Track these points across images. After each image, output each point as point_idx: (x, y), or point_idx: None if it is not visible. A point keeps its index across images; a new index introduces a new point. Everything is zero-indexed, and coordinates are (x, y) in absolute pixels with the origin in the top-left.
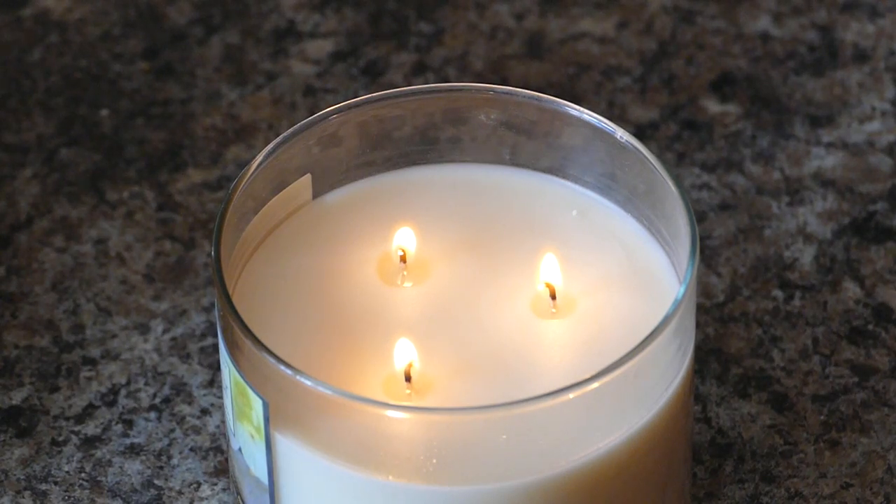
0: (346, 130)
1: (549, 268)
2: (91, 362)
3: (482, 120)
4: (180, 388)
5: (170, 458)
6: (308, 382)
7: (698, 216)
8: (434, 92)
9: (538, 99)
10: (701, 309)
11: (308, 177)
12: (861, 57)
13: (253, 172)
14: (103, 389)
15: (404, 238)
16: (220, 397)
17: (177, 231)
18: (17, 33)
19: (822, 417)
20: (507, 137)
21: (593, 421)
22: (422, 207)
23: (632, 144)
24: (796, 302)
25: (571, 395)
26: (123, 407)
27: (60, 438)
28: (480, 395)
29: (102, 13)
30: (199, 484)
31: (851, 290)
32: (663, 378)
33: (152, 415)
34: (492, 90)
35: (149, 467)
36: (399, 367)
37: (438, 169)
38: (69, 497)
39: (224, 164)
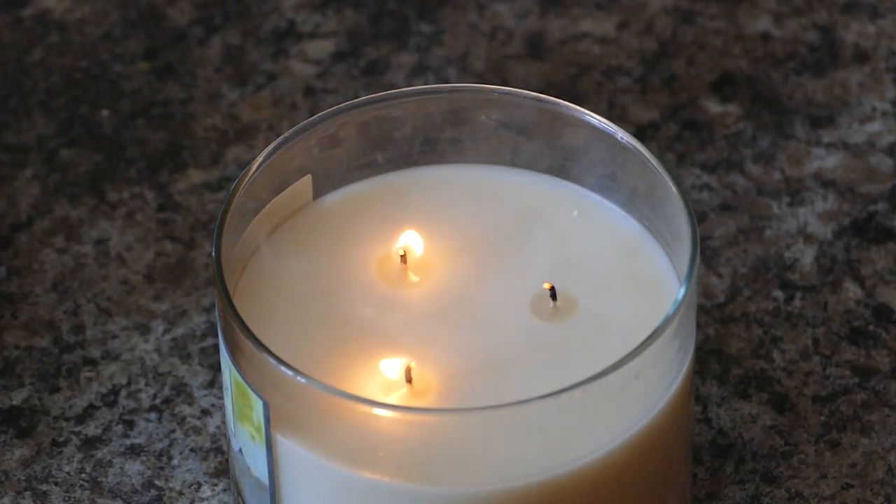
0: (347, 131)
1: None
2: (91, 363)
3: (483, 121)
4: (181, 389)
5: (170, 458)
6: (308, 383)
7: (699, 217)
8: (434, 93)
9: (539, 100)
10: (701, 309)
11: (308, 177)
12: (861, 57)
13: (253, 173)
14: (104, 390)
15: (405, 239)
16: (221, 398)
17: (177, 231)
18: (18, 33)
19: (822, 418)
20: (508, 138)
21: (594, 422)
22: (422, 208)
23: (632, 145)
24: (797, 302)
25: (572, 396)
26: (124, 407)
27: (61, 439)
28: (480, 396)
29: (103, 13)
30: (200, 484)
31: (852, 290)
32: (664, 379)
33: (153, 415)
34: (492, 91)
35: (149, 468)
36: (399, 368)
37: (439, 170)
38: (70, 498)
39: (224, 164)
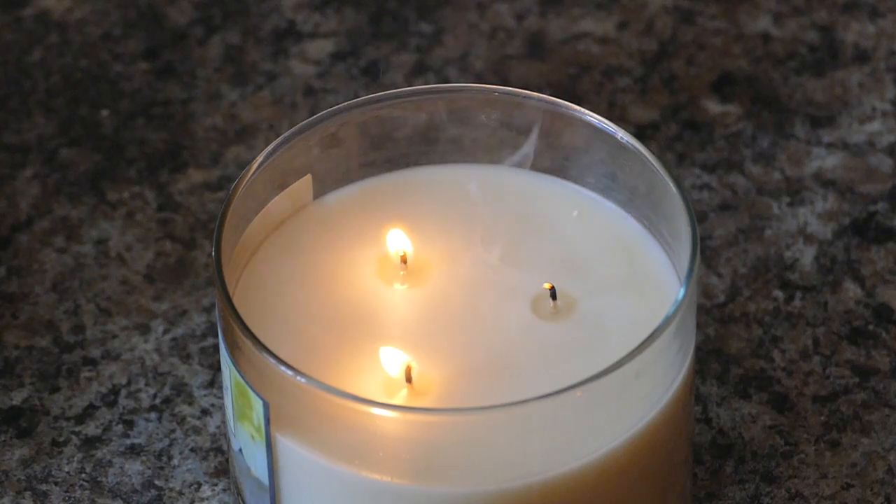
0: (347, 131)
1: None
2: (91, 363)
3: (483, 120)
4: (181, 389)
5: (170, 458)
6: (308, 383)
7: (699, 216)
8: (434, 92)
9: (539, 99)
10: (701, 309)
11: (309, 177)
12: (861, 57)
13: (254, 173)
14: (104, 390)
15: (405, 239)
16: (221, 398)
17: (177, 231)
18: (18, 33)
19: (822, 418)
20: (508, 138)
21: (594, 422)
22: (422, 208)
23: (632, 145)
24: (797, 302)
25: (572, 396)
26: (124, 407)
27: (61, 439)
28: (480, 396)
29: (103, 13)
30: (200, 484)
31: (852, 290)
32: (664, 378)
33: (153, 415)
34: (492, 91)
35: (149, 468)
36: (399, 367)
37: (439, 169)
38: (70, 497)
39: (225, 164)
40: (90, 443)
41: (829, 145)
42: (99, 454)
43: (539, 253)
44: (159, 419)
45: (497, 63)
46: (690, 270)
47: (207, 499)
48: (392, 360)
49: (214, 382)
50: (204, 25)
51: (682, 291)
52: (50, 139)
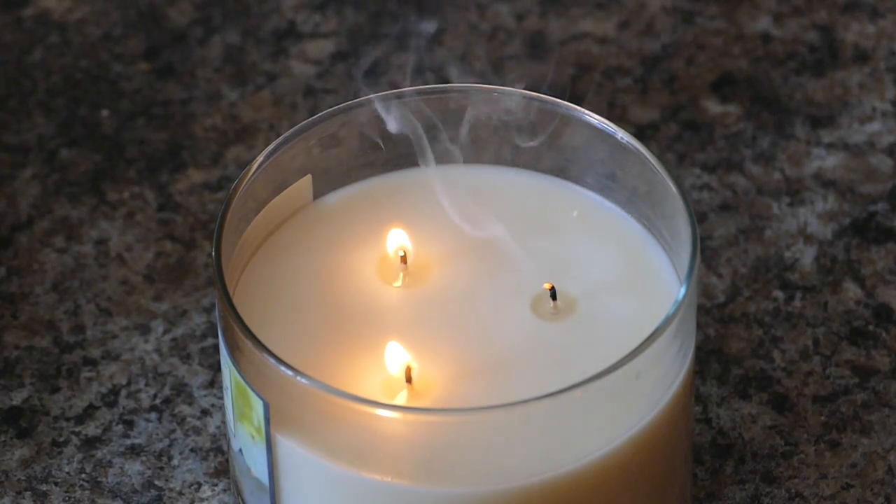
0: (347, 131)
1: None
2: (91, 363)
3: (482, 120)
4: (181, 389)
5: (170, 458)
6: (308, 383)
7: (699, 217)
8: (434, 92)
9: (539, 100)
10: (701, 309)
11: (309, 177)
12: (861, 57)
13: (254, 173)
14: (104, 390)
15: (404, 239)
16: (221, 398)
17: (177, 231)
18: (18, 33)
19: (822, 418)
20: (508, 138)
21: (594, 422)
22: (422, 208)
23: (632, 145)
24: (797, 302)
25: (572, 396)
26: (124, 407)
27: (61, 439)
28: (481, 397)
29: (103, 13)
30: (200, 485)
31: (852, 290)
32: (664, 379)
33: (153, 415)
34: (492, 91)
35: (149, 468)
36: (399, 367)
37: (439, 170)
38: (70, 498)
39: (224, 164)
40: (90, 443)
41: (829, 145)
42: (99, 454)
43: (539, 253)
44: (159, 419)
45: (497, 63)
46: (690, 270)
47: (207, 499)
48: (392, 360)
49: (214, 382)
50: (204, 25)
51: (682, 291)
52: (50, 139)
